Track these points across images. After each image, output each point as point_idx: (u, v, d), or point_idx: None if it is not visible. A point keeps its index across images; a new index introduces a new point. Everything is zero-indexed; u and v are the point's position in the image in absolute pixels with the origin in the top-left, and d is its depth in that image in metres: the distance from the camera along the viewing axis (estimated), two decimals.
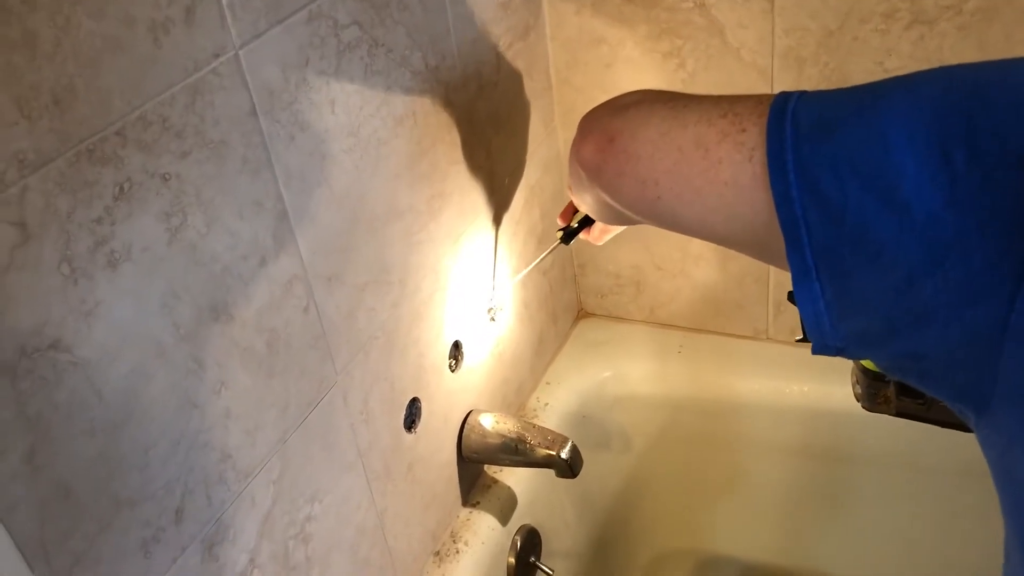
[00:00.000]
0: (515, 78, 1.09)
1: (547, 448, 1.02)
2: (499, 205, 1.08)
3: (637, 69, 1.14)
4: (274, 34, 0.67)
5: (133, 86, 0.56)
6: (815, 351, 0.52)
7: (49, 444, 0.54)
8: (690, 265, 1.26)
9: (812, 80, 1.04)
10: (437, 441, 1.01)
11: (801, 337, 0.58)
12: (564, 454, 1.02)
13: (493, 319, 1.11)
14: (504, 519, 1.10)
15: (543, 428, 1.05)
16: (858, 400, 0.92)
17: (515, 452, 1.04)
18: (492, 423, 1.07)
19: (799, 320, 0.52)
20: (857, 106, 0.47)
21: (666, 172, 0.56)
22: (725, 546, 1.40)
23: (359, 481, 0.86)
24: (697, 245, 1.24)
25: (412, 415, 0.96)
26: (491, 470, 1.14)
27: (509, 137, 1.09)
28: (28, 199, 0.51)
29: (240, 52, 0.64)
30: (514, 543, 1.11)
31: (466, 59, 0.95)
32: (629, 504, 1.36)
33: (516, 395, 1.21)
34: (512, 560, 1.10)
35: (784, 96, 0.51)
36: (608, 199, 0.64)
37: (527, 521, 1.14)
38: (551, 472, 1.05)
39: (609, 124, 0.61)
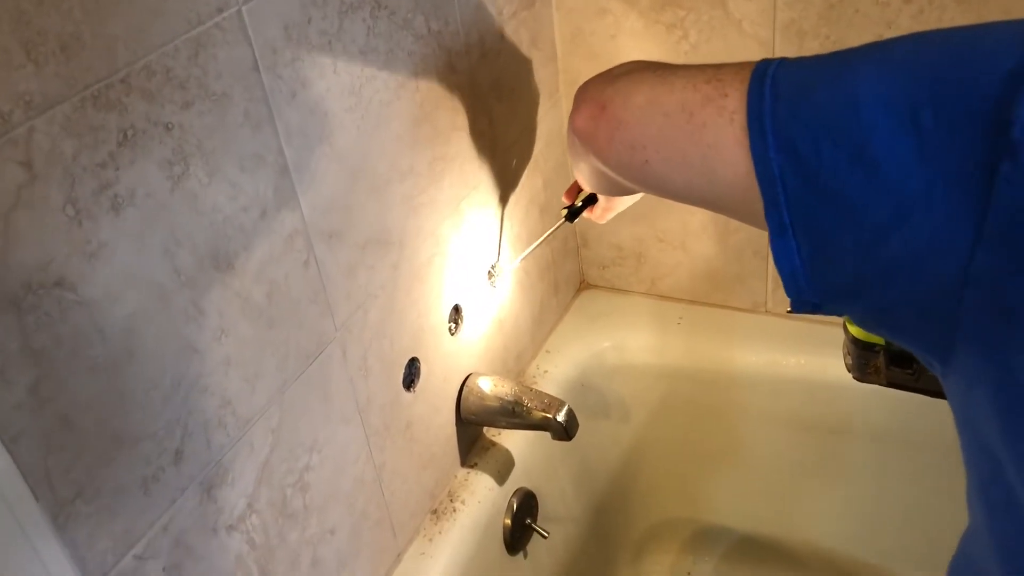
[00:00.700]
0: (519, 47, 1.10)
1: (543, 411, 1.04)
2: (501, 173, 1.10)
3: (641, 39, 1.15)
4: None
5: (138, 36, 0.58)
6: (793, 307, 0.54)
7: (53, 378, 0.56)
8: (690, 239, 1.28)
9: (813, 52, 1.05)
10: (436, 401, 1.03)
11: (791, 308, 0.60)
12: (560, 417, 1.04)
13: (494, 285, 1.13)
14: (501, 480, 1.12)
15: (540, 392, 1.07)
16: (849, 371, 0.93)
17: (512, 415, 1.06)
18: (491, 386, 1.09)
19: None
20: (832, 70, 0.50)
21: (653, 137, 0.59)
22: (721, 516, 1.42)
23: (358, 435, 0.89)
24: (697, 219, 1.25)
25: (411, 374, 0.98)
26: (490, 433, 1.16)
27: (513, 105, 1.10)
28: (34, 140, 0.53)
29: (243, 8, 0.66)
30: (510, 505, 1.13)
31: (469, 25, 0.97)
32: (627, 473, 1.38)
33: (516, 362, 1.23)
34: (508, 521, 1.13)
35: (765, 62, 0.53)
36: (601, 166, 0.66)
37: (524, 484, 1.16)
38: (549, 437, 1.07)
39: (601, 93, 0.63)
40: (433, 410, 1.03)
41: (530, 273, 1.23)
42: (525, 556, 1.18)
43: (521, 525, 1.15)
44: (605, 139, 0.63)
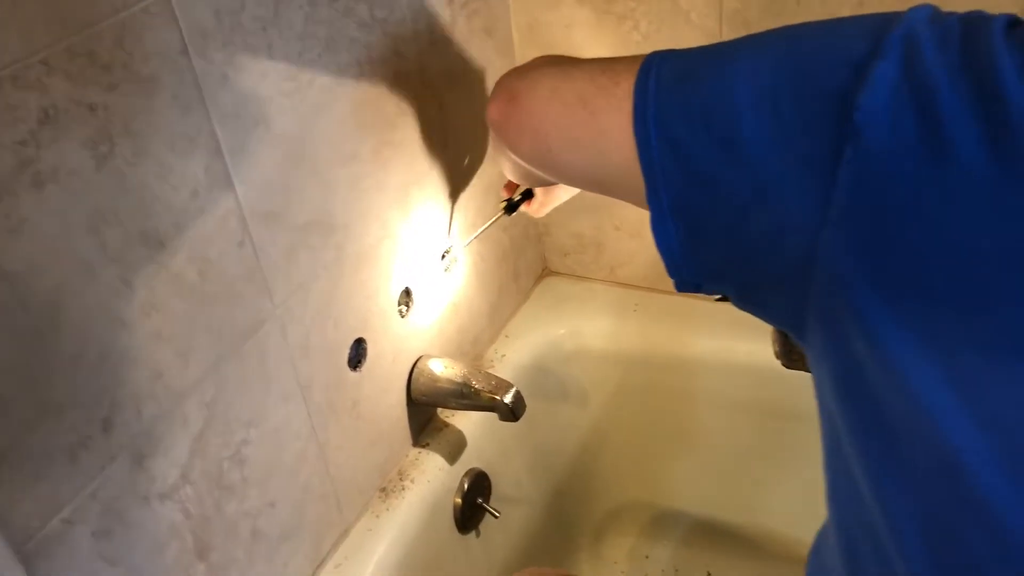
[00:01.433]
0: (472, 35, 1.12)
1: (492, 393, 1.07)
2: (454, 160, 1.12)
3: (595, 30, 1.17)
4: None
5: (59, 19, 0.61)
6: (678, 287, 0.58)
7: None
8: (646, 227, 1.28)
9: None
10: (384, 382, 1.06)
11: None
12: (507, 399, 1.06)
13: (448, 270, 1.16)
14: (452, 460, 1.14)
15: (490, 374, 1.09)
16: (777, 358, 0.96)
17: (462, 396, 1.09)
18: (441, 368, 1.11)
19: None
20: (711, 60, 0.53)
21: (554, 125, 0.62)
22: (679, 500, 1.45)
23: (299, 411, 0.91)
24: None
25: (358, 355, 1.00)
26: (444, 414, 1.19)
27: (466, 94, 1.12)
28: None
29: None
30: (461, 484, 1.16)
31: (417, 13, 0.99)
32: (586, 457, 1.41)
33: (473, 345, 1.26)
34: (459, 500, 1.15)
35: (655, 54, 0.56)
36: (514, 156, 0.70)
37: (477, 465, 1.19)
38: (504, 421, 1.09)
39: (511, 85, 0.67)
40: (381, 390, 1.05)
41: (486, 259, 1.25)
42: (478, 535, 1.21)
43: (472, 505, 1.18)
44: (515, 129, 0.66)
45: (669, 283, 0.57)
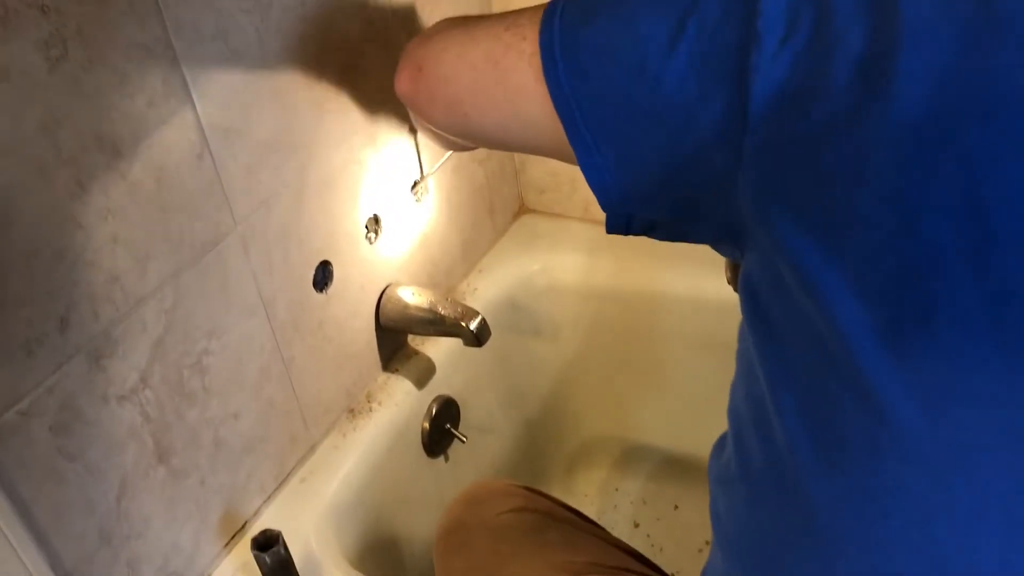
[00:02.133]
0: None
1: (458, 319, 1.09)
2: None
3: None
4: None
5: None
6: (609, 223, 0.59)
7: None
8: None
9: None
10: (351, 306, 1.08)
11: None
12: (472, 326, 1.09)
13: (419, 201, 1.17)
14: (421, 386, 1.17)
15: (457, 302, 1.11)
16: (729, 284, 0.97)
17: (430, 324, 1.11)
18: (410, 295, 1.13)
19: None
20: None
21: (466, 90, 0.63)
22: (649, 435, 1.47)
23: (262, 327, 0.94)
24: None
25: (324, 278, 1.03)
26: (414, 342, 1.21)
27: (434, 19, 1.13)
28: None
29: None
30: (429, 409, 1.19)
31: None
32: (558, 391, 1.43)
33: (446, 277, 1.28)
34: (426, 425, 1.18)
35: (555, 1, 0.57)
36: (429, 126, 0.71)
37: (446, 392, 1.22)
38: (476, 349, 1.12)
39: (415, 54, 0.68)
40: (349, 314, 1.08)
41: (460, 191, 1.27)
42: (446, 460, 1.24)
43: (440, 430, 1.21)
44: (426, 100, 0.67)
45: None
